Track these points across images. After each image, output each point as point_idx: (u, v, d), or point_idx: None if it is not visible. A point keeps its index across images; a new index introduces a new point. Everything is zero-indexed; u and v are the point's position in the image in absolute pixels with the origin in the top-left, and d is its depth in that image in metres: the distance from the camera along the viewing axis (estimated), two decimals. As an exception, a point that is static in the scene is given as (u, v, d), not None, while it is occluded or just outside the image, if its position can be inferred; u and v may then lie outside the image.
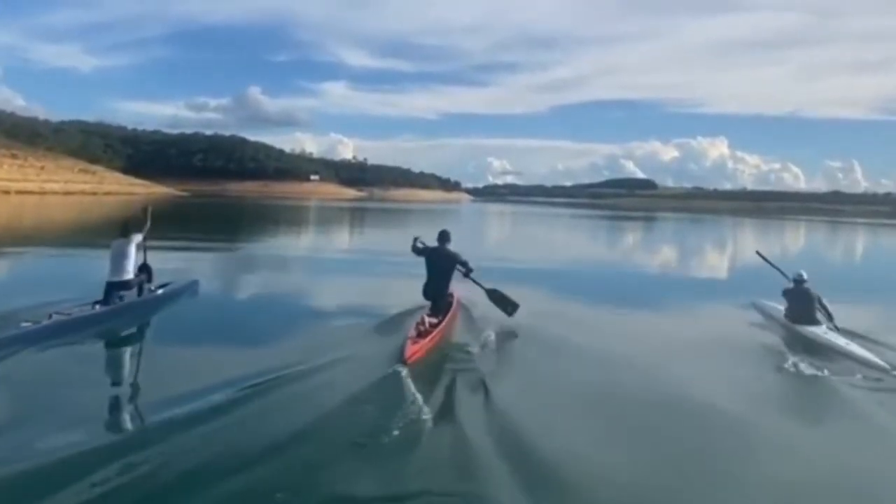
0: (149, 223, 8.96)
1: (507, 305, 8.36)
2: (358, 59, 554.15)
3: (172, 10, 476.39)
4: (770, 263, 10.42)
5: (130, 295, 8.50)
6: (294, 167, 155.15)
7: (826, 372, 6.74)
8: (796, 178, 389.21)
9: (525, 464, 4.23)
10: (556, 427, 5.02)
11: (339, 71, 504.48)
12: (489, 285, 8.56)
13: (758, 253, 11.12)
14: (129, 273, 8.36)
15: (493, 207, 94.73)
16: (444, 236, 8.11)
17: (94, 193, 67.05)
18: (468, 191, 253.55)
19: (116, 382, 6.31)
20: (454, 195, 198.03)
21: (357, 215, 49.65)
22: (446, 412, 5.17)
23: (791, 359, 7.14)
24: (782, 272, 9.64)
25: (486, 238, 32.30)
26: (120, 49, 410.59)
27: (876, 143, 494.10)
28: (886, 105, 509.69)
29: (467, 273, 8.20)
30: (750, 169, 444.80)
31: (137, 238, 8.60)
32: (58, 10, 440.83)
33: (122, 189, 77.95)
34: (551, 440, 4.69)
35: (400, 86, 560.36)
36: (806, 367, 6.85)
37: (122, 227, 8.70)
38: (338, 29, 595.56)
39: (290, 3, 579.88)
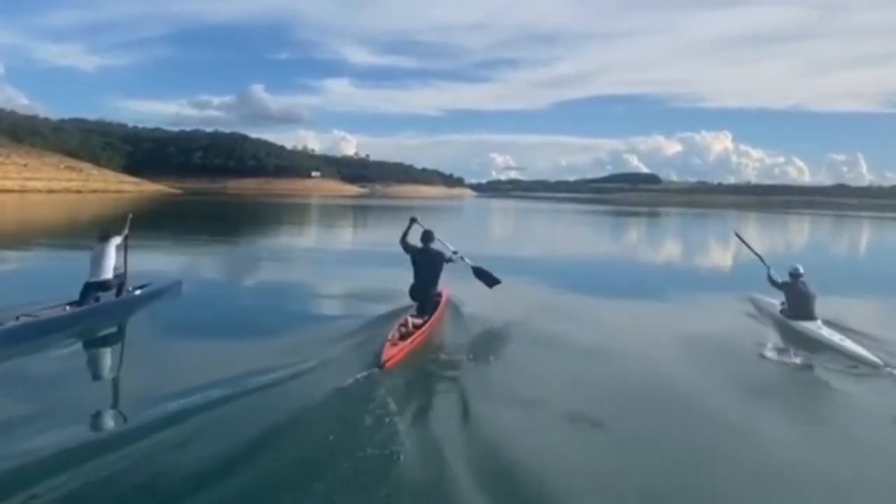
0: (127, 230, 8.98)
1: (489, 280, 8.60)
2: (360, 56, 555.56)
3: (174, 10, 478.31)
4: (747, 246, 10.51)
5: (108, 296, 8.36)
6: (295, 164, 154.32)
7: (819, 368, 6.71)
8: (800, 172, 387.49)
9: (505, 478, 3.98)
10: (541, 435, 4.79)
11: (342, 68, 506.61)
12: (474, 264, 8.73)
13: (736, 234, 11.40)
14: (108, 274, 8.29)
15: (497, 203, 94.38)
16: (427, 236, 8.01)
17: (80, 191, 66.27)
18: (471, 187, 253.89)
19: (84, 385, 6.06)
20: (457, 191, 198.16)
21: (357, 212, 49.30)
22: (422, 420, 4.95)
23: (785, 354, 7.15)
24: (759, 256, 9.66)
25: (489, 233, 32.15)
26: (122, 48, 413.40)
27: (880, 136, 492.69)
28: (890, 98, 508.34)
29: (453, 256, 8.23)
30: (754, 163, 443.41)
31: (117, 240, 8.59)
32: (60, 9, 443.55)
33: (109, 187, 76.61)
34: (534, 449, 4.45)
35: (402, 82, 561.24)
36: (799, 363, 6.87)
37: (102, 231, 8.63)
38: (340, 27, 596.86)
39: (291, 2, 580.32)
